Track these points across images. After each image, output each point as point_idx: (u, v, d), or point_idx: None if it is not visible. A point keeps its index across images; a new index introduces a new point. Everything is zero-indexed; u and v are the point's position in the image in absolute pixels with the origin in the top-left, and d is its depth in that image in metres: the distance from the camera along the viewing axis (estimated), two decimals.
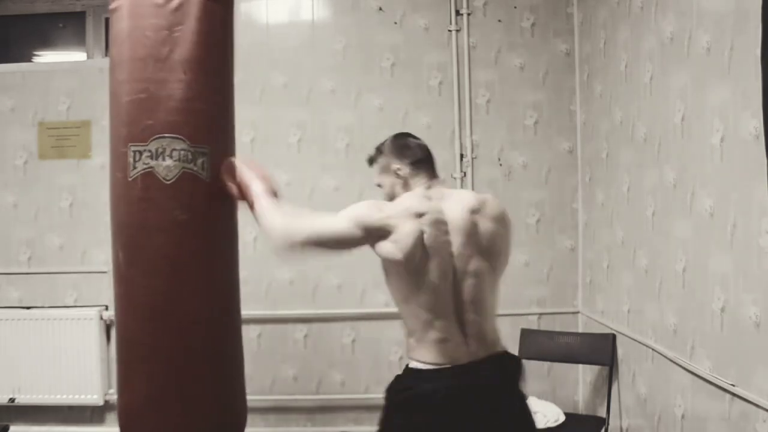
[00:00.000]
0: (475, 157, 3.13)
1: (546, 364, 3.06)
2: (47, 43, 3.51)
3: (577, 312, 3.11)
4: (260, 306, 3.14)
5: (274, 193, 1.71)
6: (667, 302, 2.12)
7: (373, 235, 1.47)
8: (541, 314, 3.12)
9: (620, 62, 2.52)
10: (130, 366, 1.87)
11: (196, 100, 1.83)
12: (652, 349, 2.24)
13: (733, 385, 1.68)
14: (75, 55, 3.47)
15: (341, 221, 1.48)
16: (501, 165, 3.13)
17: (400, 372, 1.57)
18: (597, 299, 2.89)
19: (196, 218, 1.82)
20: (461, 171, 3.11)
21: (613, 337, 2.65)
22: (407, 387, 1.48)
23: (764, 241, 1.54)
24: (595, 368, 2.91)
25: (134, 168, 1.81)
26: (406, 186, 1.62)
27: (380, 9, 3.16)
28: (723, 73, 1.72)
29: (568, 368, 3.07)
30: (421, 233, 1.45)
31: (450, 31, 3.14)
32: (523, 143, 3.13)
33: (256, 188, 1.70)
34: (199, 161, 1.81)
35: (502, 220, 1.58)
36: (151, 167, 1.79)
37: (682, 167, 1.99)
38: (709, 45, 1.79)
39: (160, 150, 1.79)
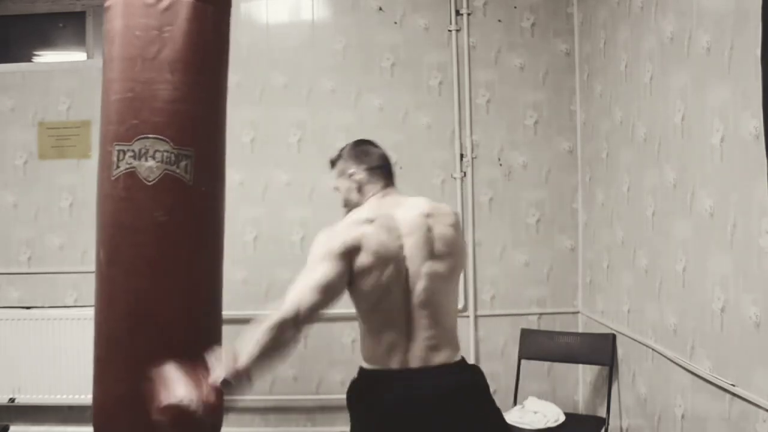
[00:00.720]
0: (475, 157, 3.13)
1: (546, 364, 3.06)
2: (47, 43, 3.51)
3: (577, 312, 3.11)
4: (260, 306, 3.13)
5: (231, 352, 1.31)
6: (667, 302, 2.12)
7: (352, 257, 1.44)
8: (541, 314, 3.12)
9: (620, 62, 2.52)
10: (107, 364, 1.86)
11: (181, 102, 1.81)
12: (652, 349, 2.24)
13: (733, 385, 1.68)
14: (75, 55, 3.47)
15: (321, 263, 1.42)
16: (501, 165, 3.13)
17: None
18: (597, 299, 2.89)
19: (177, 220, 1.81)
20: (461, 171, 3.11)
21: (613, 337, 2.65)
22: (360, 390, 1.51)
23: (764, 241, 1.54)
24: (595, 368, 2.91)
25: (117, 167, 1.80)
26: (361, 191, 1.64)
27: (380, 9, 3.16)
28: (723, 73, 1.72)
29: (568, 368, 3.07)
30: (369, 238, 1.45)
31: (450, 31, 3.14)
32: (523, 143, 3.13)
33: (218, 371, 1.26)
34: (183, 164, 1.80)
35: (455, 225, 1.59)
36: (133, 167, 1.78)
37: (682, 167, 1.99)
38: (709, 45, 1.79)
39: (143, 150, 1.78)
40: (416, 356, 1.45)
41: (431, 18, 3.15)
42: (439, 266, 1.50)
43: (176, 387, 1.25)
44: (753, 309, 1.59)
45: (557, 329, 3.01)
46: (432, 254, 1.50)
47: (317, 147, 3.16)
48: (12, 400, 3.13)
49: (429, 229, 1.51)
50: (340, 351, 3.15)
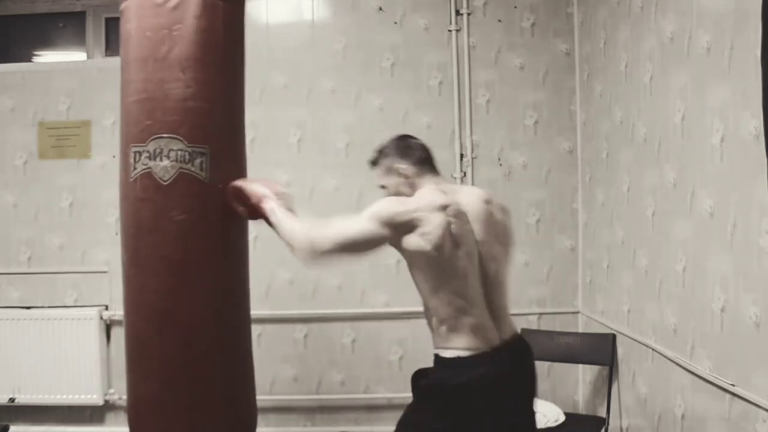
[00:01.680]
0: (475, 157, 3.13)
1: (546, 364, 3.06)
2: (47, 43, 3.51)
3: (577, 312, 3.11)
4: (260, 306, 3.13)
5: (289, 207, 1.69)
6: (667, 302, 2.12)
7: (400, 231, 1.50)
8: (541, 314, 3.12)
9: (620, 62, 2.52)
10: (135, 365, 1.87)
11: (194, 100, 1.81)
12: (652, 349, 2.24)
13: (733, 385, 1.68)
14: (75, 55, 3.47)
15: (366, 222, 1.50)
16: (501, 165, 3.13)
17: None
18: (597, 299, 2.89)
19: (194, 218, 1.81)
20: (461, 171, 3.11)
21: (613, 337, 2.65)
22: (454, 375, 1.49)
23: (764, 241, 1.54)
24: (595, 368, 2.91)
25: (134, 169, 1.81)
26: (412, 185, 1.66)
27: (380, 9, 3.16)
28: (723, 73, 1.72)
29: (568, 368, 3.07)
30: (449, 223, 1.51)
31: (450, 31, 3.14)
32: (523, 143, 3.13)
33: (269, 204, 1.69)
34: (197, 161, 1.80)
35: (506, 212, 1.70)
36: (149, 168, 1.78)
37: (682, 167, 1.99)
38: (709, 45, 1.79)
39: (158, 150, 1.78)
40: (495, 335, 1.53)
41: (431, 18, 3.15)
42: (501, 250, 1.62)
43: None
44: (753, 309, 1.59)
45: (557, 329, 3.01)
46: (497, 238, 1.61)
47: (317, 147, 3.17)
48: (12, 400, 3.13)
49: (491, 215, 1.61)
50: (340, 351, 3.16)
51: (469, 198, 1.61)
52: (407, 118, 3.11)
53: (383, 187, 1.72)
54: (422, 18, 3.15)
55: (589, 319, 2.98)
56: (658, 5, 2.15)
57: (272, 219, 1.67)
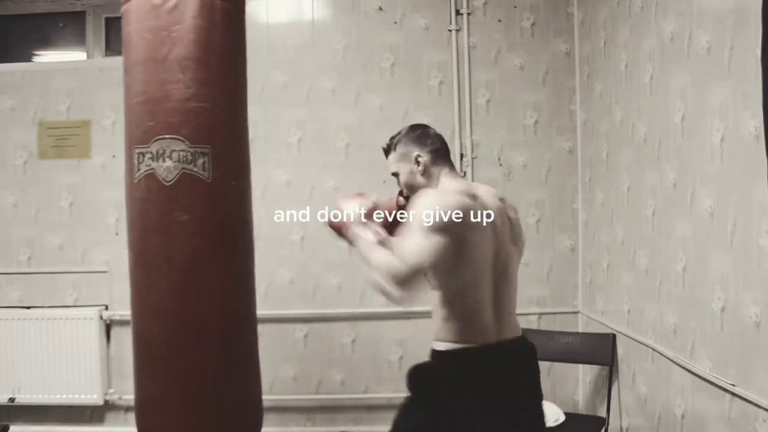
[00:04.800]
0: (475, 157, 3.13)
1: (546, 364, 3.06)
2: (47, 43, 3.51)
3: (577, 312, 3.12)
4: (260, 306, 3.12)
5: (377, 231, 1.50)
6: (667, 302, 2.12)
7: (455, 230, 1.41)
8: (541, 314, 3.12)
9: (620, 62, 2.52)
10: (141, 363, 1.88)
11: (195, 100, 1.81)
12: (652, 349, 2.24)
13: (733, 385, 1.68)
14: (75, 55, 3.47)
15: (433, 239, 1.37)
16: (501, 165, 3.13)
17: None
18: (597, 299, 2.89)
19: (196, 219, 1.81)
20: (461, 171, 3.11)
21: (613, 336, 2.65)
22: (442, 367, 1.50)
23: (764, 241, 1.54)
24: (595, 368, 2.91)
25: (138, 170, 1.81)
26: (426, 174, 1.62)
27: (380, 9, 3.16)
28: (723, 73, 1.72)
29: (568, 368, 3.07)
30: (473, 214, 1.46)
31: (450, 30, 3.14)
32: (523, 143, 3.13)
33: (355, 229, 1.51)
34: (200, 162, 1.81)
35: (516, 210, 1.69)
36: (152, 169, 1.79)
37: (682, 167, 1.99)
38: (709, 45, 1.79)
39: (160, 151, 1.79)
40: (497, 333, 1.52)
41: (431, 18, 3.15)
42: (515, 249, 1.61)
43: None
44: (753, 309, 1.59)
45: (557, 329, 3.01)
46: (511, 237, 1.59)
47: (317, 147, 3.17)
48: (12, 400, 3.13)
49: (506, 212, 1.60)
50: (340, 351, 3.16)
51: (487, 195, 1.58)
52: (407, 118, 3.11)
53: (395, 174, 1.68)
54: (422, 18, 3.15)
55: (589, 319, 2.98)
56: (658, 5, 2.15)
57: (357, 246, 1.49)
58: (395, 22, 3.15)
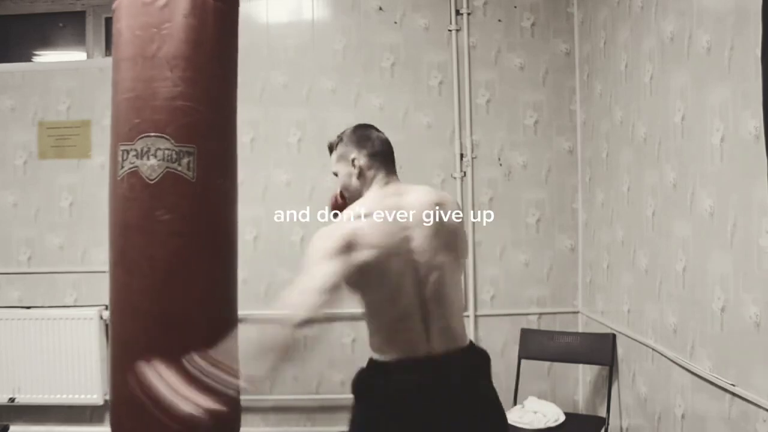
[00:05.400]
0: (475, 157, 3.13)
1: (546, 364, 3.06)
2: (47, 43, 3.51)
3: (577, 312, 3.12)
4: (260, 306, 3.14)
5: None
6: (667, 302, 2.12)
7: (351, 254, 1.38)
8: (541, 314, 3.12)
9: (620, 62, 2.52)
10: (120, 365, 1.86)
11: (182, 99, 1.79)
12: (652, 349, 2.24)
13: (733, 385, 1.68)
14: (75, 55, 3.47)
15: (320, 269, 1.34)
16: (501, 165, 3.13)
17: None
18: (597, 299, 2.89)
19: (179, 218, 1.80)
20: (461, 171, 3.11)
21: (613, 336, 2.65)
22: (370, 380, 1.49)
23: (764, 241, 1.54)
24: (595, 368, 2.91)
25: (122, 167, 1.80)
26: (361, 177, 1.57)
27: (380, 9, 3.16)
28: (723, 73, 1.72)
29: (568, 368, 3.07)
30: (366, 234, 1.41)
31: (450, 30, 3.14)
32: (523, 143, 3.13)
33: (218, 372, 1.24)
34: (184, 161, 1.79)
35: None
36: (136, 166, 1.78)
37: (682, 167, 1.99)
38: (709, 45, 1.79)
39: (145, 149, 1.77)
40: (431, 346, 1.44)
41: (431, 18, 3.15)
42: (448, 257, 1.49)
43: (182, 398, 1.20)
44: (753, 309, 1.59)
45: (557, 329, 3.01)
46: (442, 245, 1.47)
47: (317, 147, 3.16)
48: (12, 400, 3.13)
49: (438, 219, 1.48)
50: (340, 351, 3.15)
51: (417, 201, 1.50)
52: (407, 117, 3.11)
53: (335, 174, 1.65)
54: (422, 18, 3.15)
55: (589, 318, 2.98)
56: (658, 5, 2.15)
57: (249, 361, 1.26)
58: (395, 22, 3.15)
